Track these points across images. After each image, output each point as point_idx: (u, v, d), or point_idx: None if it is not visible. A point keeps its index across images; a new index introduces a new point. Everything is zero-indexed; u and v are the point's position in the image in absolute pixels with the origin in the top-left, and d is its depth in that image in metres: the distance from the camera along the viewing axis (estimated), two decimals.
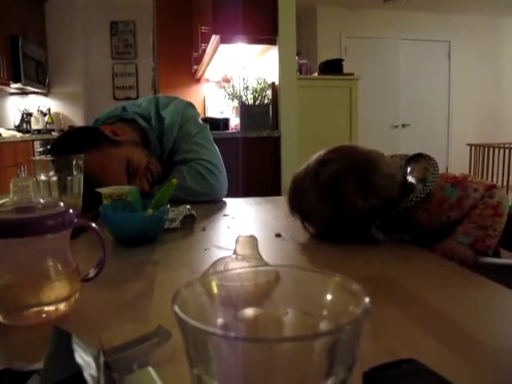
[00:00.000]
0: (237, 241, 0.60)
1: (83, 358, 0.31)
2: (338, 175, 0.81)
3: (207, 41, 3.22)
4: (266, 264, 0.58)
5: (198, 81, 4.71)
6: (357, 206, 0.79)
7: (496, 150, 5.43)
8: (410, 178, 0.86)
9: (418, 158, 0.90)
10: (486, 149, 5.57)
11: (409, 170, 0.88)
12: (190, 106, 1.40)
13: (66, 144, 1.19)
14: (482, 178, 5.25)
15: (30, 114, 5.67)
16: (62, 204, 0.53)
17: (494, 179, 5.21)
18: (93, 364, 0.31)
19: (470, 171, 5.67)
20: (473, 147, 5.82)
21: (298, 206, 0.86)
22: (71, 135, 1.29)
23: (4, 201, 0.51)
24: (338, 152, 0.85)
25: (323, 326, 0.30)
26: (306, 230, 0.87)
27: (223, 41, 2.94)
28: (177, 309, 0.25)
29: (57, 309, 0.50)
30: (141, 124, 1.30)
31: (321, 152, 0.87)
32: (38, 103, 5.82)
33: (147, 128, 1.30)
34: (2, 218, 0.49)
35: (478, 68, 6.73)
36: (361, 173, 0.81)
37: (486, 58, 6.76)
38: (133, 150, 1.21)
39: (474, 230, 0.81)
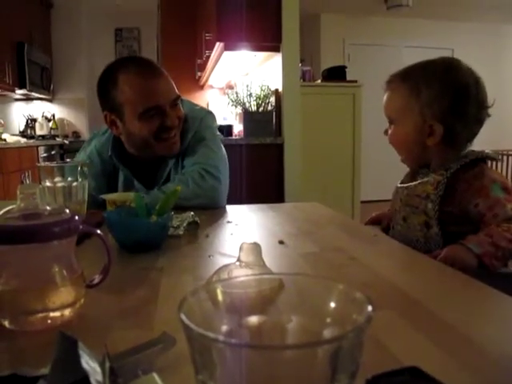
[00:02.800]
0: (240, 248, 0.60)
1: (89, 364, 0.31)
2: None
3: (211, 48, 3.24)
4: (270, 271, 0.58)
5: (202, 87, 4.72)
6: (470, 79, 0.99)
7: (500, 158, 5.42)
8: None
9: None
10: None
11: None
12: (210, 114, 1.45)
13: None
14: None
15: (34, 120, 5.71)
16: (67, 211, 0.54)
17: None
18: (98, 369, 0.31)
19: None
20: None
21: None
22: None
23: (11, 207, 0.52)
24: None
25: (326, 333, 0.30)
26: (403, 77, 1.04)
27: (227, 48, 2.95)
28: (183, 316, 0.25)
29: (62, 314, 0.51)
30: None
31: None
32: (42, 109, 5.86)
33: None
34: (9, 224, 0.50)
35: (482, 75, 6.70)
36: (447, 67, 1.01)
37: (490, 66, 6.75)
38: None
39: (486, 244, 0.82)
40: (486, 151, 0.98)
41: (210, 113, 1.47)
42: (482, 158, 0.96)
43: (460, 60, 1.02)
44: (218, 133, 1.45)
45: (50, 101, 5.94)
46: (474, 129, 0.98)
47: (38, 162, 4.46)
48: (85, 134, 5.86)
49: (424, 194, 0.95)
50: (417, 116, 0.98)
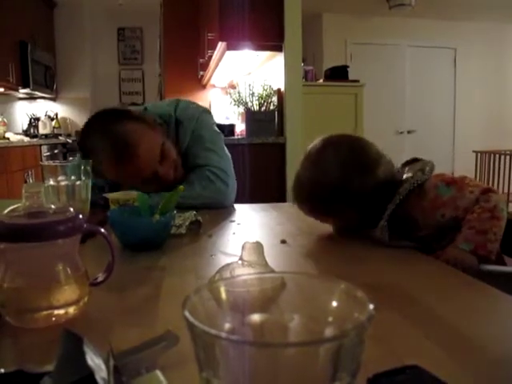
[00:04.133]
0: (243, 247, 0.60)
1: (94, 361, 0.31)
2: (324, 146, 0.91)
3: (214, 47, 3.24)
4: (272, 270, 0.58)
5: (204, 87, 4.72)
6: (334, 175, 0.86)
7: (502, 157, 5.40)
8: (407, 174, 0.91)
9: (414, 162, 0.97)
10: (492, 156, 5.54)
11: (406, 169, 0.94)
12: (207, 112, 1.43)
13: (111, 112, 1.21)
14: (488, 185, 5.21)
15: (37, 119, 5.72)
16: (72, 209, 0.55)
17: (500, 186, 5.18)
18: (103, 367, 0.32)
19: (475, 178, 5.64)
20: (479, 154, 5.80)
21: (293, 185, 0.94)
22: (116, 108, 1.29)
23: (16, 206, 0.52)
24: (330, 136, 0.95)
25: (328, 331, 0.30)
26: (301, 208, 0.93)
27: (229, 47, 2.95)
28: (187, 314, 0.26)
29: (66, 312, 0.51)
30: (160, 125, 1.33)
31: None
32: (45, 108, 5.88)
33: (166, 129, 1.33)
34: (14, 222, 0.50)
35: (484, 75, 6.72)
36: (344, 146, 0.91)
37: (492, 65, 6.74)
38: (167, 140, 1.25)
39: (473, 236, 0.81)
40: (415, 180, 0.87)
41: (207, 111, 1.44)
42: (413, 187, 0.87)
43: (324, 149, 0.91)
44: (217, 129, 1.42)
45: (54, 100, 5.96)
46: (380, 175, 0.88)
47: (41, 160, 4.47)
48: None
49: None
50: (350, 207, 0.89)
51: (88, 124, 1.19)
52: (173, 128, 1.35)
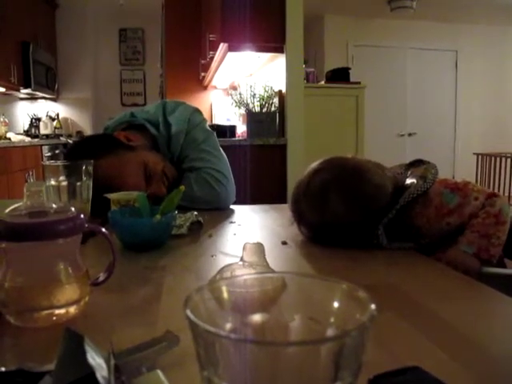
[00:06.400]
0: (244, 248, 0.60)
1: (95, 360, 0.31)
2: (324, 185, 0.85)
3: (215, 48, 3.24)
4: (273, 271, 0.58)
5: (206, 88, 4.72)
6: (339, 214, 0.83)
7: (503, 160, 5.40)
8: (409, 180, 0.89)
9: (417, 164, 0.95)
10: (493, 158, 5.54)
11: (409, 173, 0.92)
12: (197, 111, 1.39)
13: (81, 151, 1.18)
14: (489, 187, 5.22)
15: (38, 119, 5.73)
16: (73, 209, 0.55)
17: (501, 189, 5.18)
18: (104, 366, 0.32)
19: (476, 181, 5.64)
20: (479, 156, 5.80)
21: (294, 210, 0.92)
22: (86, 142, 1.29)
23: (18, 205, 0.52)
24: (328, 162, 0.90)
25: (329, 332, 0.30)
26: (300, 231, 0.92)
27: (231, 49, 2.95)
28: (189, 312, 0.26)
29: (67, 312, 0.51)
30: (150, 130, 1.30)
31: (317, 161, 0.91)
32: (46, 108, 5.89)
33: (156, 134, 1.30)
34: (15, 221, 0.50)
35: (485, 77, 6.72)
36: (346, 182, 0.85)
37: (493, 68, 6.75)
38: (148, 154, 1.22)
39: (477, 239, 0.81)
40: (415, 190, 0.84)
41: (196, 109, 1.39)
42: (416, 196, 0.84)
43: (326, 190, 0.84)
44: (209, 128, 1.38)
45: (55, 100, 5.97)
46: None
47: (42, 160, 4.47)
48: (88, 134, 5.88)
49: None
50: None
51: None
52: (163, 131, 1.31)
